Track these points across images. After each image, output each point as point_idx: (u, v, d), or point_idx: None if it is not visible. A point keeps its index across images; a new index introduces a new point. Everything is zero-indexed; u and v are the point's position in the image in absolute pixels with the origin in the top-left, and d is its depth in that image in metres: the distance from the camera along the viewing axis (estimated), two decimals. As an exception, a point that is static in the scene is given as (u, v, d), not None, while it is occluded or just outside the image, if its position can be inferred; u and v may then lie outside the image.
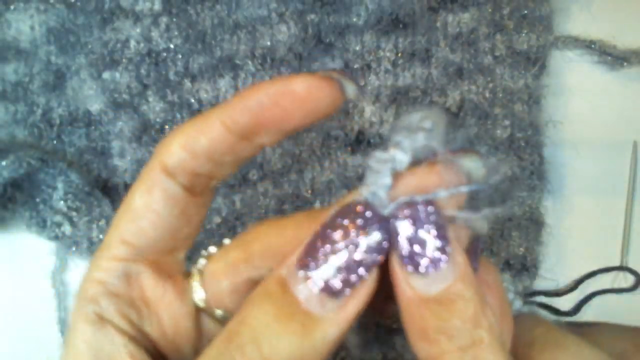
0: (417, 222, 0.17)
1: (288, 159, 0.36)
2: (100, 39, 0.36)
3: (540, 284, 0.37)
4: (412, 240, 0.17)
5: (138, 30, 0.36)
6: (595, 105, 0.38)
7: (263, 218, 0.36)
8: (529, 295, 0.37)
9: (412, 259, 0.17)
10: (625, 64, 0.38)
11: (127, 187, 0.36)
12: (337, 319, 0.17)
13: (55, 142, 0.37)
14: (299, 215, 0.21)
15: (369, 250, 0.17)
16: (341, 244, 0.17)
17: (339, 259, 0.17)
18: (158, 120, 0.36)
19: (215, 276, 0.22)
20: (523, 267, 0.36)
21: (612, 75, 0.39)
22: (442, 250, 0.17)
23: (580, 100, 0.38)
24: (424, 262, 0.17)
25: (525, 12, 0.37)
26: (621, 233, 0.38)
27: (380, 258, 0.17)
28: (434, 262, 0.17)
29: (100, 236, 0.35)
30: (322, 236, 0.17)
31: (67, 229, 0.35)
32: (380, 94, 0.36)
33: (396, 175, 0.18)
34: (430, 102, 0.36)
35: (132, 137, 0.36)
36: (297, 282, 0.17)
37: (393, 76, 0.36)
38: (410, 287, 0.17)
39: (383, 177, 0.18)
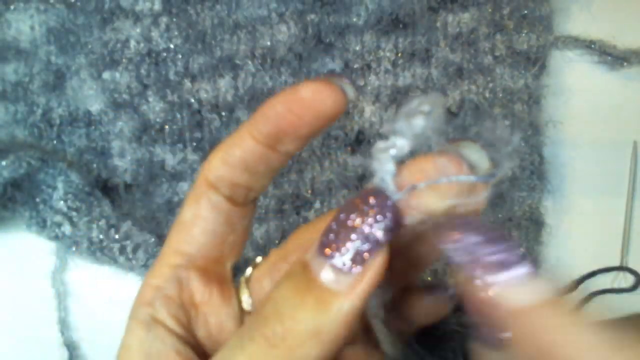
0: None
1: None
2: (100, 39, 0.36)
3: (540, 284, 0.37)
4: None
5: (138, 30, 0.36)
6: (595, 105, 0.38)
7: (263, 218, 0.36)
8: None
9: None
10: (625, 64, 0.38)
11: (127, 187, 0.36)
12: (350, 294, 0.19)
13: (55, 142, 0.37)
14: (331, 212, 0.23)
15: (378, 231, 0.19)
16: (355, 227, 0.19)
17: (352, 240, 0.19)
18: (158, 120, 0.36)
19: (259, 280, 0.24)
20: (523, 267, 0.36)
21: (612, 75, 0.39)
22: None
23: (580, 100, 0.38)
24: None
25: (525, 12, 0.37)
26: (621, 233, 0.38)
27: (387, 239, 0.19)
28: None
29: (101, 236, 0.35)
30: (338, 220, 0.19)
31: (67, 229, 0.35)
32: (380, 94, 0.36)
33: (400, 163, 0.19)
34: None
35: (132, 137, 0.36)
36: (315, 262, 0.19)
37: (393, 76, 0.36)
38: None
39: (386, 163, 0.19)
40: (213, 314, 0.23)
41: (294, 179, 0.36)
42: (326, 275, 0.19)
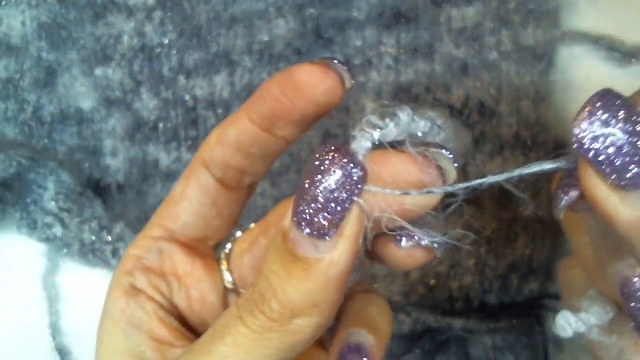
0: None
1: (287, 158, 0.35)
2: (92, 34, 0.35)
3: (547, 287, 0.36)
4: None
5: (131, 25, 0.35)
6: (603, 103, 0.38)
7: (261, 219, 0.35)
8: (535, 299, 0.36)
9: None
10: (633, 60, 0.38)
11: (119, 187, 0.36)
12: (333, 260, 0.18)
13: (46, 140, 0.36)
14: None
15: (346, 186, 0.18)
16: (322, 185, 0.18)
17: (323, 202, 0.18)
18: (152, 117, 0.35)
19: (240, 256, 0.25)
20: (530, 270, 0.36)
21: (620, 71, 0.38)
22: None
23: (588, 97, 0.37)
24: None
25: (532, 6, 0.36)
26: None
27: (357, 193, 0.18)
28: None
29: (93, 238, 0.34)
30: (308, 183, 0.18)
31: (58, 230, 0.34)
32: (381, 91, 0.35)
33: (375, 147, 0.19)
34: (433, 99, 0.35)
35: (125, 136, 0.35)
36: (293, 233, 0.18)
37: (395, 72, 0.35)
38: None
39: (367, 140, 0.18)
40: (196, 287, 0.24)
41: (292, 179, 0.35)
42: (305, 245, 0.18)
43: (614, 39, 0.37)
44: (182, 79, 0.35)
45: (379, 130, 0.19)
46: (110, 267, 0.35)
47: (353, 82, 0.21)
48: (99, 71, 0.35)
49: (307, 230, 0.18)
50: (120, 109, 0.35)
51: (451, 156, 0.18)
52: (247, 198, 0.25)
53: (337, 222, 0.18)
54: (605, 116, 0.16)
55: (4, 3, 0.36)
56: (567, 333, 0.24)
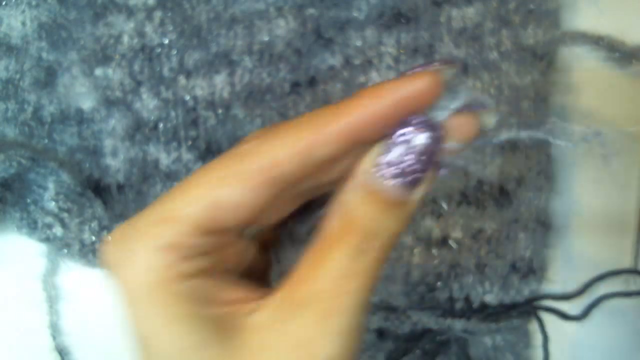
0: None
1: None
2: (92, 34, 0.35)
3: (547, 287, 0.36)
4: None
5: (131, 25, 0.35)
6: (603, 103, 0.38)
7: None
8: (536, 299, 0.36)
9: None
10: (633, 60, 0.38)
11: (119, 187, 0.36)
12: (415, 201, 0.22)
13: (46, 140, 0.36)
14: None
15: (431, 146, 0.22)
16: (406, 144, 0.22)
17: (408, 155, 0.22)
18: (152, 118, 0.35)
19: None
20: (530, 270, 0.36)
21: (620, 71, 0.38)
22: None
23: (588, 97, 0.37)
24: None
25: (532, 6, 0.36)
26: (632, 234, 0.37)
27: (438, 151, 0.22)
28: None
29: (93, 238, 0.34)
30: (392, 139, 0.22)
31: (58, 230, 0.34)
32: (382, 91, 0.35)
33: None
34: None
35: (125, 136, 0.35)
36: (381, 183, 0.21)
37: (395, 72, 0.35)
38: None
39: (443, 109, 0.22)
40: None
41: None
42: (396, 190, 0.21)
43: (614, 39, 0.37)
44: (182, 79, 0.35)
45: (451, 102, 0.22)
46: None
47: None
48: (99, 71, 0.35)
49: (401, 180, 0.21)
50: (120, 109, 0.35)
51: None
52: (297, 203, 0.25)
53: (423, 174, 0.22)
54: None
55: (4, 3, 0.36)
56: None
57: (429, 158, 0.22)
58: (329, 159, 0.21)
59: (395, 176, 0.22)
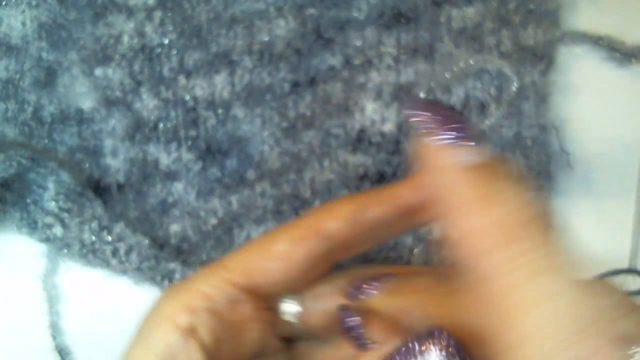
0: None
1: (287, 158, 0.35)
2: (92, 34, 0.35)
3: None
4: None
5: (131, 25, 0.35)
6: (603, 103, 0.38)
7: (261, 219, 0.35)
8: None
9: None
10: (633, 60, 0.38)
11: (119, 187, 0.36)
12: None
13: (46, 140, 0.36)
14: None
15: None
16: None
17: None
18: (152, 117, 0.35)
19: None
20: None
21: (621, 71, 0.38)
22: None
23: (588, 97, 0.38)
24: None
25: (532, 6, 0.36)
26: (630, 234, 0.37)
27: None
28: None
29: (93, 238, 0.34)
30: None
31: (58, 230, 0.34)
32: (382, 91, 0.35)
33: None
34: (433, 99, 0.35)
35: (125, 136, 0.35)
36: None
37: (395, 72, 0.35)
38: None
39: None
40: (257, 333, 0.23)
41: (292, 179, 0.35)
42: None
43: (614, 39, 0.37)
44: (182, 79, 0.35)
45: None
46: (109, 266, 0.34)
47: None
48: (99, 71, 0.35)
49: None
50: (120, 109, 0.35)
51: None
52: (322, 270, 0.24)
53: None
54: None
55: (4, 3, 0.36)
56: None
57: None
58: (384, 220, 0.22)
59: None
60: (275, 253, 0.22)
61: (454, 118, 0.20)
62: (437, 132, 0.20)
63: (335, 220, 0.22)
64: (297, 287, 0.24)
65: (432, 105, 0.21)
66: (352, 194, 0.24)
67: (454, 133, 0.20)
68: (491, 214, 0.18)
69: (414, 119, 0.21)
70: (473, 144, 0.20)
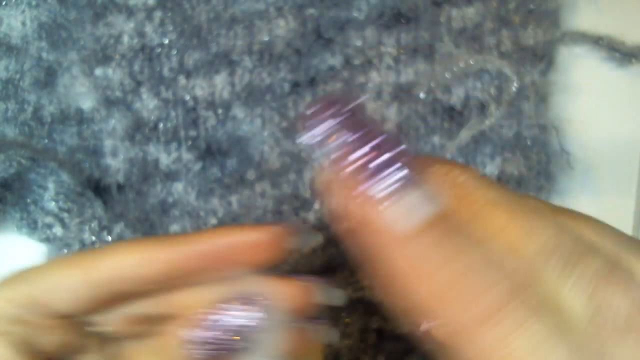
0: None
1: (287, 158, 0.35)
2: (92, 34, 0.35)
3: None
4: None
5: (131, 25, 0.35)
6: (603, 103, 0.37)
7: (261, 219, 0.35)
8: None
9: None
10: (633, 60, 0.37)
11: (119, 187, 0.36)
12: None
13: (46, 140, 0.36)
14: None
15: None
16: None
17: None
18: (152, 117, 0.35)
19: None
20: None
21: (621, 71, 0.38)
22: None
23: (588, 97, 0.37)
24: None
25: (532, 6, 0.36)
26: (630, 234, 0.37)
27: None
28: None
29: (93, 238, 0.34)
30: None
31: (58, 230, 0.34)
32: (381, 91, 0.35)
33: None
34: (433, 99, 0.35)
35: (125, 136, 0.35)
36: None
37: (395, 73, 0.35)
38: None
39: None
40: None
41: (292, 179, 0.35)
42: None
43: (614, 39, 0.37)
44: (182, 79, 0.35)
45: None
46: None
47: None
48: (99, 71, 0.35)
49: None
50: (120, 109, 0.35)
51: None
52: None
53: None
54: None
55: (4, 3, 0.36)
56: None
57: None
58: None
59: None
60: (62, 277, 0.22)
61: (377, 134, 0.14)
62: (361, 169, 0.14)
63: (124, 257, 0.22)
64: (90, 308, 0.23)
65: (345, 114, 0.15)
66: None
67: (387, 166, 0.13)
68: (464, 293, 0.14)
69: (313, 139, 0.15)
70: (418, 181, 0.14)
